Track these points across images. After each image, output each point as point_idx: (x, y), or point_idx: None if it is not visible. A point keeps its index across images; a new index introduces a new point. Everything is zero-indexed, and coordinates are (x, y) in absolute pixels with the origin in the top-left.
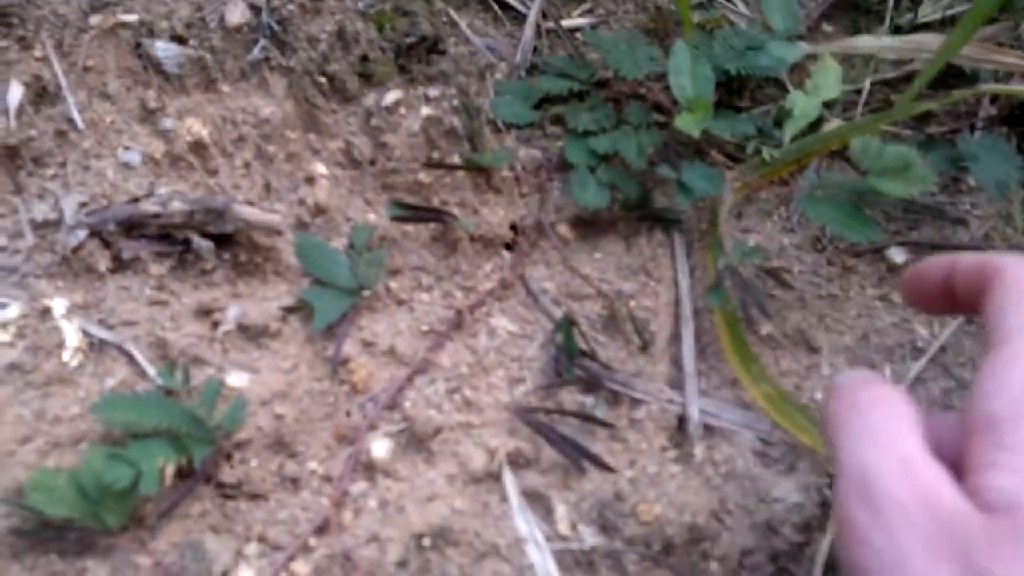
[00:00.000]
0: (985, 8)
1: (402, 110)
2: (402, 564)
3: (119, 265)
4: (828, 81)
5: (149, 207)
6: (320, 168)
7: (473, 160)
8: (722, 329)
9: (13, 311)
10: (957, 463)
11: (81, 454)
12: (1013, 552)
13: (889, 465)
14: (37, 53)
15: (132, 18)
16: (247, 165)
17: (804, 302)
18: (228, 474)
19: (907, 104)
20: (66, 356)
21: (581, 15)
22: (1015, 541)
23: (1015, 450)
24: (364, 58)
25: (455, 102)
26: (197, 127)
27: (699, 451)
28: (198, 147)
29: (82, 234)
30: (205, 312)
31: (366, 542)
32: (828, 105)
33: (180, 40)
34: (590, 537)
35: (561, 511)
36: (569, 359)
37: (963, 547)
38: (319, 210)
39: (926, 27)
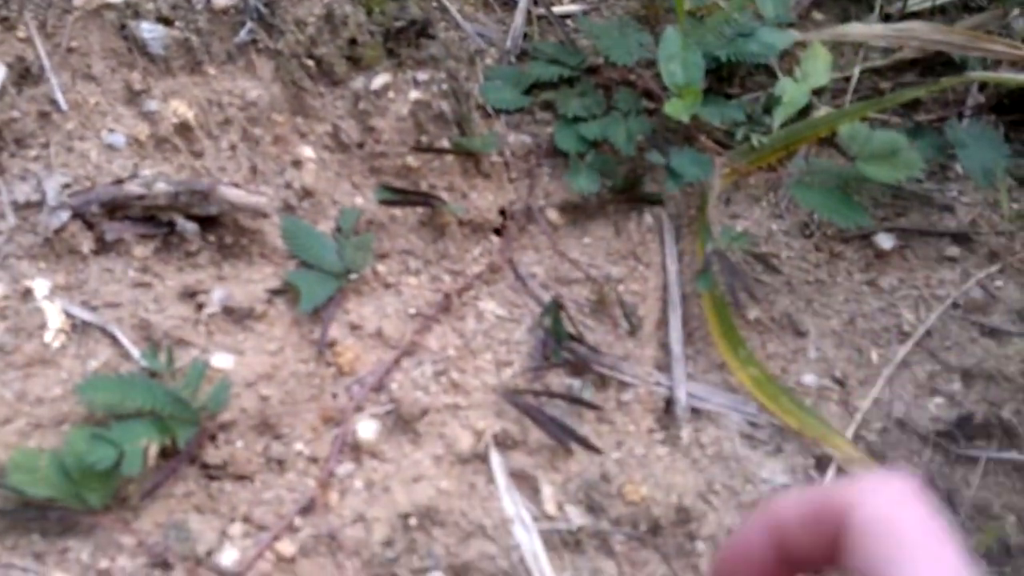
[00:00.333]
0: None
1: (390, 94)
2: (388, 544)
3: (102, 247)
4: (817, 68)
5: (133, 188)
6: (307, 151)
7: (462, 145)
8: (710, 313)
9: None
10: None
11: (63, 435)
12: None
13: None
14: (20, 34)
15: None
16: (233, 148)
17: (792, 287)
18: (213, 455)
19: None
20: (48, 337)
21: (572, 2)
22: None
23: None
24: (352, 41)
25: (444, 87)
26: (183, 109)
27: (686, 433)
28: (183, 129)
29: (65, 215)
30: (190, 294)
31: (352, 522)
32: (817, 92)
33: (166, 21)
34: (577, 517)
35: (548, 492)
36: (557, 342)
37: None
38: (306, 193)
39: (916, 15)
